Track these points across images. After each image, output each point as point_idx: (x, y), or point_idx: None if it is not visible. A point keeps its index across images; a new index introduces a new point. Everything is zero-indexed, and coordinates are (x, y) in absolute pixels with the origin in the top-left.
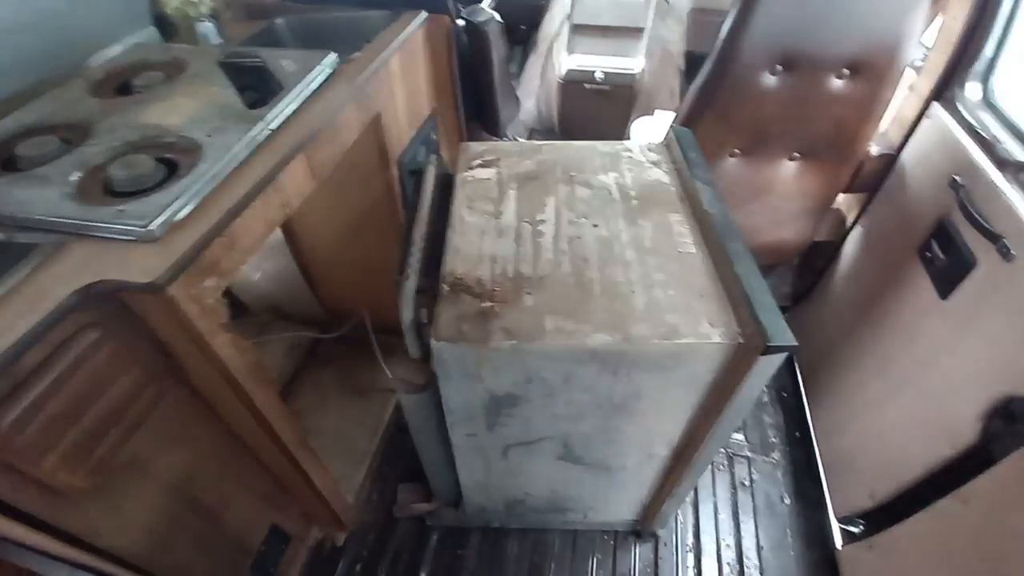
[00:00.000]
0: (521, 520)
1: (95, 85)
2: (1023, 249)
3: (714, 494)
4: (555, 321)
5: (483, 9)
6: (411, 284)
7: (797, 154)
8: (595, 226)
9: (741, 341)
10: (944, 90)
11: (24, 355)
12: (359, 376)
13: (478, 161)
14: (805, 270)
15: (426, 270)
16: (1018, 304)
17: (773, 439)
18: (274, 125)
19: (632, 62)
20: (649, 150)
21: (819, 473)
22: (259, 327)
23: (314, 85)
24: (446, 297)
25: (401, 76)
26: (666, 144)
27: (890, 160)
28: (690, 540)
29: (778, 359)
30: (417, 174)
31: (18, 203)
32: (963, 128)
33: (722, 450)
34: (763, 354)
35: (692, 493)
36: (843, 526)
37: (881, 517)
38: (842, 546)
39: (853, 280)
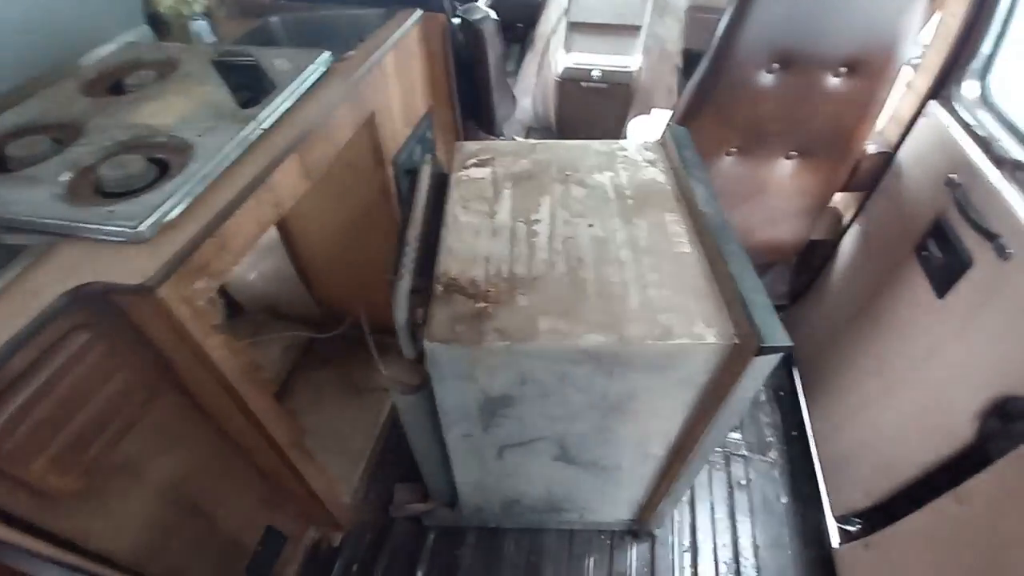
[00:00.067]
0: (518, 520)
1: (87, 84)
2: (1020, 248)
3: (711, 493)
4: (549, 322)
5: (479, 7)
6: (405, 284)
7: (794, 152)
8: (590, 226)
9: (736, 342)
10: (941, 88)
11: (13, 357)
12: (355, 376)
13: (473, 160)
14: (802, 269)
15: (420, 270)
16: (1015, 303)
17: (770, 438)
18: (267, 124)
19: (629, 60)
20: (645, 149)
21: (816, 472)
22: (255, 327)
23: (307, 84)
24: (440, 298)
25: (396, 75)
26: (662, 143)
27: (887, 158)
28: (687, 539)
29: (773, 359)
30: (412, 173)
31: (8, 204)
32: (960, 126)
33: (719, 449)
34: (758, 355)
35: (689, 492)
36: (840, 525)
37: (878, 516)
38: (839, 545)
39: (850, 279)
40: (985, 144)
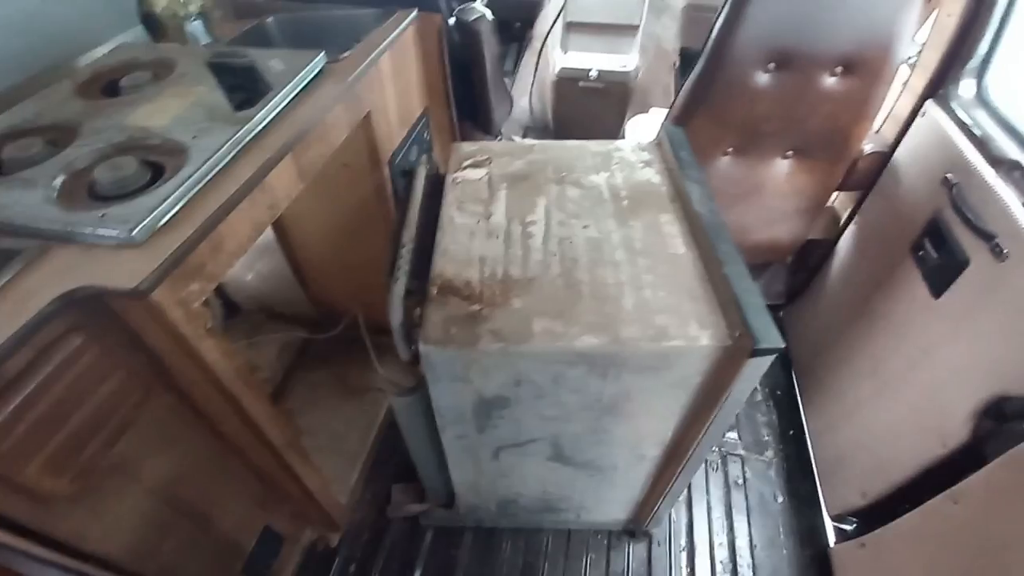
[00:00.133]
0: (514, 520)
1: (82, 86)
2: (1015, 248)
3: (707, 493)
4: (544, 323)
5: (475, 7)
6: (400, 286)
7: (791, 152)
8: (585, 227)
9: (730, 343)
10: (938, 87)
11: (6, 361)
12: (352, 376)
13: (469, 161)
14: (799, 268)
15: (416, 272)
16: (1010, 304)
17: (766, 438)
18: (262, 126)
19: (626, 59)
20: (641, 150)
21: (812, 471)
22: (251, 327)
23: (303, 85)
24: (434, 300)
25: (392, 75)
26: (658, 143)
27: (884, 158)
28: (683, 539)
29: (767, 360)
30: (408, 174)
31: (1, 208)
32: (957, 126)
33: (715, 449)
34: (752, 356)
35: (685, 492)
36: (836, 524)
37: (873, 515)
38: (835, 544)
39: (847, 278)
40: (982, 144)
